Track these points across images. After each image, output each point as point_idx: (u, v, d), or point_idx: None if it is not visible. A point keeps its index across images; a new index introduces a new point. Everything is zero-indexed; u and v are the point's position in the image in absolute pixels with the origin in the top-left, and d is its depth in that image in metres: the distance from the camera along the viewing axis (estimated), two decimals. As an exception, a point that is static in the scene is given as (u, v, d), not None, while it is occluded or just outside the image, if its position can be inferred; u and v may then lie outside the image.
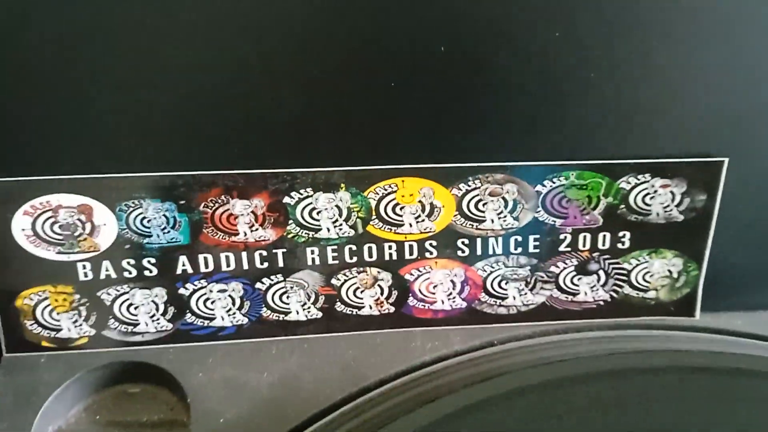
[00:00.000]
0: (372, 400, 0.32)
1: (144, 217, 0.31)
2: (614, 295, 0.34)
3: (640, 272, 0.34)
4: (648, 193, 0.32)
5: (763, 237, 0.34)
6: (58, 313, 0.32)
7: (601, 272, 0.34)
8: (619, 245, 0.33)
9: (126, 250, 0.31)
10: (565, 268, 0.34)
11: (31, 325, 0.32)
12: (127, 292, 0.32)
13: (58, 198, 0.30)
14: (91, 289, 0.32)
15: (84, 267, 0.32)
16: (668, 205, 0.32)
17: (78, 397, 0.32)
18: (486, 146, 0.31)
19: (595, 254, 0.33)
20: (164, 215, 0.31)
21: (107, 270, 0.32)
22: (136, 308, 0.32)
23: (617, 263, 0.34)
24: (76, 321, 0.32)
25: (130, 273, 0.32)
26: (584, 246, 0.33)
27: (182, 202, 0.31)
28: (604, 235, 0.33)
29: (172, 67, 0.29)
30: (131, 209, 0.31)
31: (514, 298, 0.34)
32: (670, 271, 0.34)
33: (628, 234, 0.33)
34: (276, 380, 0.32)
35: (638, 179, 0.32)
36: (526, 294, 0.34)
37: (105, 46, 0.28)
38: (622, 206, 0.32)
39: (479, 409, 0.27)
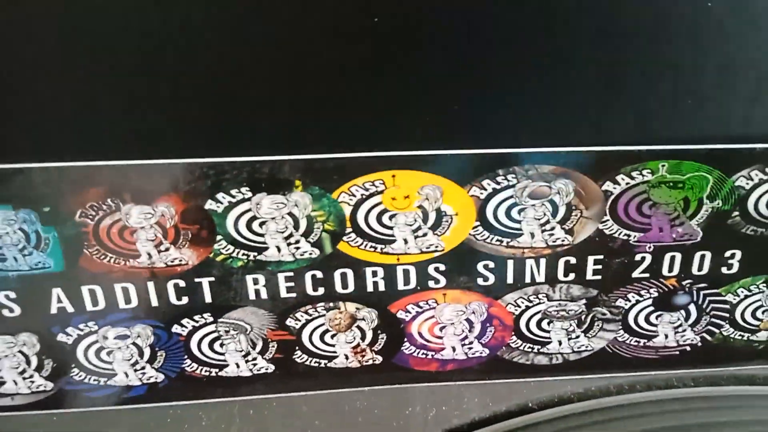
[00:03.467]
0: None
1: (-10, 232, 0.19)
2: (707, 337, 0.22)
3: (749, 307, 0.21)
4: (780, 195, 0.19)
5: None
6: None
7: (691, 307, 0.21)
8: (724, 269, 0.21)
9: (-31, 280, 0.19)
10: (638, 302, 0.21)
11: None
12: (-21, 341, 0.20)
13: None
14: (-75, 335, 0.20)
15: None
16: (809, 212, 0.20)
17: None
18: (525, 122, 0.18)
19: (687, 282, 0.21)
20: (20, 229, 0.19)
21: (-55, 307, 0.20)
22: (-5, 363, 0.21)
23: (717, 295, 0.21)
24: None
25: (-20, 312, 0.20)
26: (671, 271, 0.21)
27: (46, 209, 0.19)
28: (703, 256, 0.20)
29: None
30: (-32, 220, 0.19)
31: (560, 343, 0.22)
32: (797, 306, 0.21)
33: (738, 254, 0.20)
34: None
35: (766, 174, 0.19)
36: (578, 337, 0.22)
37: None
38: (736, 214, 0.20)
39: None
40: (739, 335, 0.22)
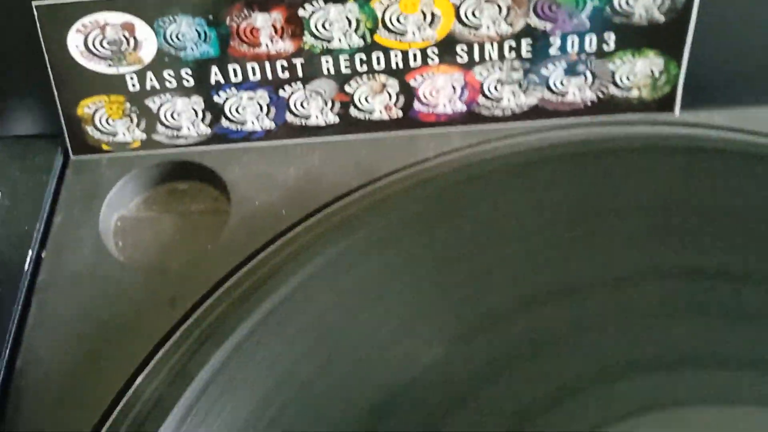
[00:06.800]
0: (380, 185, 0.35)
1: (179, 32, 0.34)
2: (600, 95, 0.36)
3: (624, 72, 0.35)
4: (631, -5, 0.33)
5: (744, 36, 0.35)
6: (113, 120, 0.36)
7: (587, 73, 0.35)
8: (605, 47, 0.35)
9: (166, 62, 0.34)
10: (554, 71, 0.35)
11: (92, 131, 0.36)
12: (170, 100, 0.35)
13: (104, 16, 0.33)
14: (139, 98, 0.35)
15: (131, 78, 0.35)
16: (650, 7, 0.33)
17: (136, 191, 0.36)
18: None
19: (582, 56, 0.35)
20: (196, 29, 0.34)
21: (151, 80, 0.35)
22: (178, 115, 0.36)
23: (602, 64, 0.35)
24: (129, 126, 0.36)
25: (171, 83, 0.35)
26: (572, 48, 0.35)
27: (210, 17, 0.33)
28: (591, 38, 0.34)
29: None
30: (167, 24, 0.33)
31: (509, 100, 0.36)
32: (652, 70, 0.35)
33: (613, 35, 0.34)
34: (301, 174, 0.35)
35: (624, -21, 0.33)
36: (519, 96, 0.36)
37: None
38: (607, 8, 0.33)
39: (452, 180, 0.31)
40: (619, 92, 0.36)
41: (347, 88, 0.36)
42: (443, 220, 0.31)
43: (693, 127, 0.36)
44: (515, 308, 0.28)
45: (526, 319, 0.28)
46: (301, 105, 0.36)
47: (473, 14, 0.34)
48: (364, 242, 0.30)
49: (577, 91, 0.36)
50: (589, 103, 0.36)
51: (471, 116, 0.36)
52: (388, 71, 0.35)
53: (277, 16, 0.34)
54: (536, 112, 0.36)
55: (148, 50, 0.34)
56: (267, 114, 0.36)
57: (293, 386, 0.27)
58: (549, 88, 0.36)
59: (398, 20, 0.34)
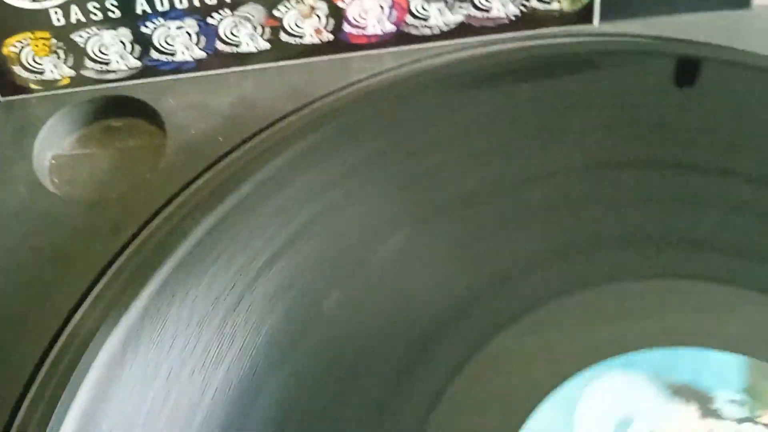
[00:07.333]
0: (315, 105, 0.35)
1: (100, -39, 0.33)
2: (523, 9, 0.37)
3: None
4: None
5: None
6: (40, 57, 0.35)
7: (495, -13, 0.36)
8: (523, -39, 0.36)
9: (89, -6, 0.34)
10: (472, -14, 0.36)
11: (19, 70, 0.35)
12: (97, 34, 0.35)
13: (22, -52, 0.33)
14: (65, 32, 0.35)
15: (56, 13, 0.34)
16: None
17: (69, 130, 0.36)
18: None
19: (505, -30, 0.36)
20: (119, -41, 0.33)
21: (76, 14, 0.34)
22: (107, 48, 0.35)
23: (524, -22, 0.36)
24: (56, 63, 0.35)
25: (96, 15, 0.35)
26: (494, -37, 0.36)
27: (133, -57, 0.33)
28: (511, -49, 0.35)
29: None
30: (88, -46, 0.33)
31: (436, 18, 0.37)
32: (570, -18, 0.36)
33: (531, -52, 0.35)
34: (236, 101, 0.36)
35: None
36: (446, 13, 0.37)
37: None
38: None
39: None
40: (541, 5, 0.37)
41: (276, 13, 0.36)
42: (383, 129, 0.32)
43: (613, 36, 0.37)
44: (460, 201, 0.30)
45: (474, 208, 0.29)
46: (231, 32, 0.36)
47: (395, -69, 0.34)
48: (304, 155, 0.31)
49: (501, 6, 0.37)
50: (513, 18, 0.37)
51: (401, 37, 0.37)
52: (317, -6, 0.36)
53: (199, -60, 0.33)
54: (463, 29, 0.37)
55: (70, -18, 0.34)
56: (197, 43, 0.36)
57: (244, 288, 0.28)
58: (474, 5, 0.37)
59: (322, -60, 0.34)
